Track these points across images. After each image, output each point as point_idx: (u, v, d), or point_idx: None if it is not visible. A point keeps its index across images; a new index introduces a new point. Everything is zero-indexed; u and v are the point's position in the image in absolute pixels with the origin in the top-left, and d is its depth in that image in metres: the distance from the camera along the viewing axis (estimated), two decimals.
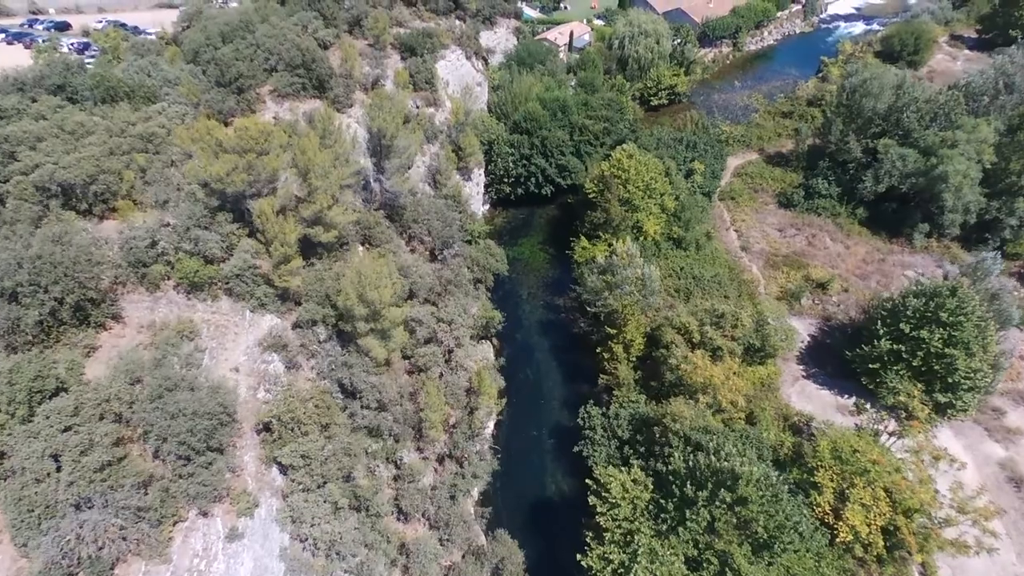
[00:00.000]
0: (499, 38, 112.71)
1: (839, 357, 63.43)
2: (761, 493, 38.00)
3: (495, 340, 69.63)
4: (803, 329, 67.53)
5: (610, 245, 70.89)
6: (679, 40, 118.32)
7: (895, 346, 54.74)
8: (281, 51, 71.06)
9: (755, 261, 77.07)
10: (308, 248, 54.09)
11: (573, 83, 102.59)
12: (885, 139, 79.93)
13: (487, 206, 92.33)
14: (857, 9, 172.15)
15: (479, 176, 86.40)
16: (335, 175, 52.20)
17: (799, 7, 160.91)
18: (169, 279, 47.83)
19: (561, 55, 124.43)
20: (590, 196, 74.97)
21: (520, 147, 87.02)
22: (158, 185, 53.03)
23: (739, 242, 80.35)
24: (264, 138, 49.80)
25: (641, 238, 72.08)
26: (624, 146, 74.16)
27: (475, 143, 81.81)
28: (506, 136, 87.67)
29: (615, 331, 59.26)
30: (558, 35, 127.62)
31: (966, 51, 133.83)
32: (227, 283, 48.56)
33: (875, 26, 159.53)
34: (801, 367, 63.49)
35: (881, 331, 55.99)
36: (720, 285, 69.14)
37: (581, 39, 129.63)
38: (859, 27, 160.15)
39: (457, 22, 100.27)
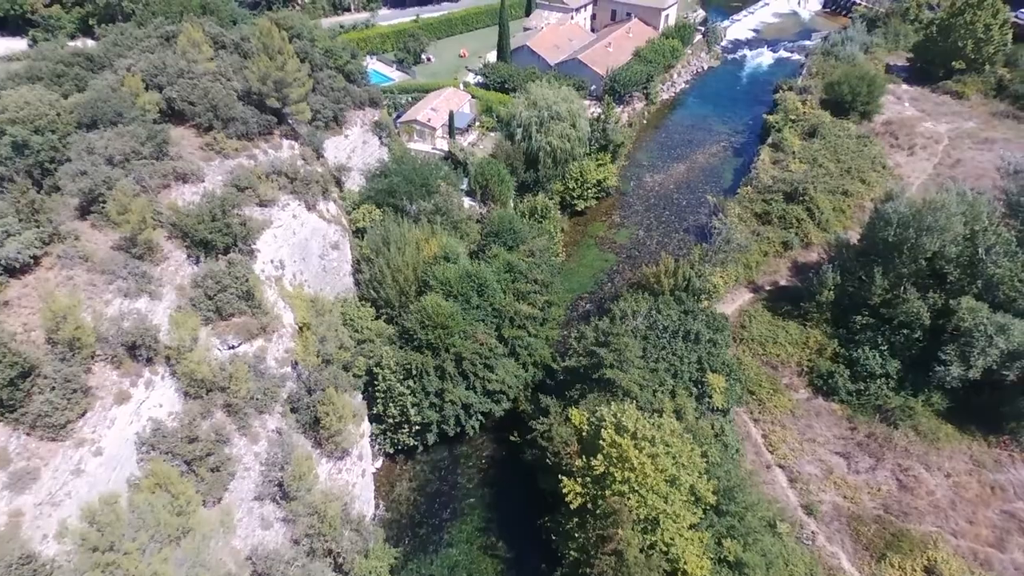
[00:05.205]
0: (352, 143, 75.32)
1: None
2: None
3: None
4: None
5: None
6: (601, 115, 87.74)
7: None
8: None
9: (836, 536, 47.84)
10: None
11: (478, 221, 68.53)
12: (968, 299, 53.78)
13: (380, 461, 56.28)
14: (755, 31, 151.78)
15: (360, 441, 50.43)
16: None
17: (700, 37, 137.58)
18: None
19: (440, 140, 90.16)
20: (570, 501, 41.82)
21: (423, 376, 51.73)
22: None
23: (794, 493, 50.82)
24: None
25: None
26: (615, 414, 41.43)
27: (346, 408, 45.72)
28: (395, 358, 51.90)
29: None
30: (431, 113, 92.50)
31: (904, 86, 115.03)
32: None
33: (783, 52, 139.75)
34: None
35: None
36: None
37: (462, 115, 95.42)
38: (767, 56, 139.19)
39: (285, 144, 62.73)
